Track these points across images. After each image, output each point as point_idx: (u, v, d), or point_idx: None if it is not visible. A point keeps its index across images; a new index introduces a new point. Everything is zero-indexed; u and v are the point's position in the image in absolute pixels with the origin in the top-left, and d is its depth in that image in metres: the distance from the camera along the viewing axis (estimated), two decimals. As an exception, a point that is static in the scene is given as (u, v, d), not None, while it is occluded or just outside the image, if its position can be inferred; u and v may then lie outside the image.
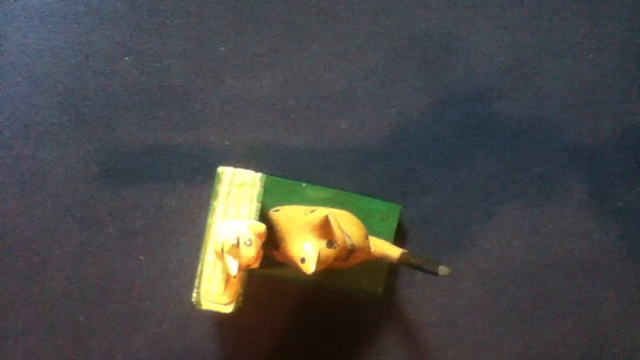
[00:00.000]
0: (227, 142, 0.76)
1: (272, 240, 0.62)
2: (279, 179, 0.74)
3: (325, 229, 0.59)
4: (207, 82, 0.76)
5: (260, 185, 0.64)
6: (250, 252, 0.57)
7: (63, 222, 0.75)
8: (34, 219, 0.74)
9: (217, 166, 0.65)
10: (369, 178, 0.77)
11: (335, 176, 0.76)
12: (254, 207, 0.63)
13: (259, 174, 0.64)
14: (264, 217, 0.65)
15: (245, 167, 0.65)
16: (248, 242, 0.58)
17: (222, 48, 0.77)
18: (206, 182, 0.75)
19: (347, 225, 0.64)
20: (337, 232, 0.59)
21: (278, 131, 0.76)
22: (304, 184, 0.74)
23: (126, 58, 0.76)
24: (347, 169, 0.77)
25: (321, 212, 0.60)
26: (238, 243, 0.57)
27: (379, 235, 0.70)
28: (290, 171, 0.76)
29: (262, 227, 0.59)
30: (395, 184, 0.77)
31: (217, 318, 0.74)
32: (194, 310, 0.74)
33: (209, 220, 0.63)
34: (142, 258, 0.75)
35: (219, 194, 0.63)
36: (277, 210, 0.67)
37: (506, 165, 0.78)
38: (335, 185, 0.76)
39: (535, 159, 0.78)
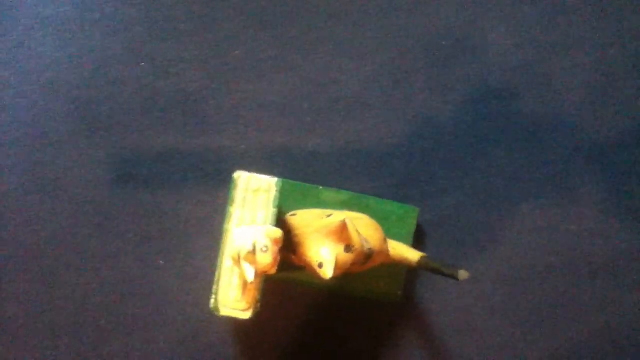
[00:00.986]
0: (242, 146, 0.76)
1: (289, 245, 0.62)
2: (294, 182, 0.73)
3: (342, 234, 0.59)
4: (221, 86, 0.76)
5: (276, 191, 0.63)
6: (267, 259, 0.57)
7: (82, 227, 0.75)
8: (53, 225, 0.75)
9: (233, 170, 0.65)
10: (385, 180, 0.76)
11: (351, 179, 0.76)
12: (270, 212, 0.63)
13: (275, 179, 0.64)
14: (280, 221, 0.65)
15: (261, 171, 0.65)
16: (264, 249, 0.57)
17: (235, 52, 0.77)
18: (222, 186, 0.75)
19: (365, 228, 0.64)
20: (354, 237, 0.59)
21: (293, 134, 0.76)
22: (320, 187, 0.73)
23: (141, 64, 0.76)
24: (363, 171, 0.76)
25: (338, 216, 0.59)
26: (254, 250, 0.57)
27: (397, 238, 0.70)
28: (306, 174, 0.76)
29: (278, 233, 0.59)
30: (412, 185, 0.76)
31: (236, 323, 0.74)
32: (213, 315, 0.74)
33: (226, 225, 0.63)
34: (162, 262, 0.75)
35: (235, 199, 0.63)
36: (294, 215, 0.67)
37: (524, 165, 0.77)
38: (352, 188, 0.75)
39: (554, 157, 0.77)
